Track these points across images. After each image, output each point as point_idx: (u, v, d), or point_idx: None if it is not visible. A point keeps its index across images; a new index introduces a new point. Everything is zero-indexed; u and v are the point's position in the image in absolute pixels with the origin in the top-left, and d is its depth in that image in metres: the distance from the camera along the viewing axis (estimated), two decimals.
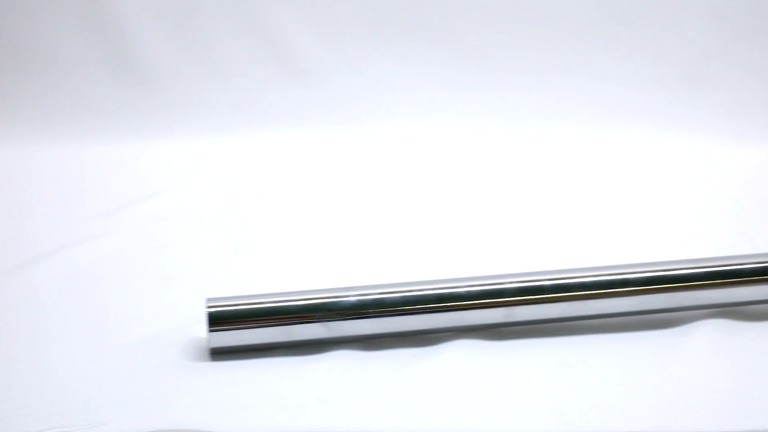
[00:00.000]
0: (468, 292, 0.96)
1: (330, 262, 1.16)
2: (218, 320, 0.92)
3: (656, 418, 0.85)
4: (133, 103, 1.50)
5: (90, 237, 1.20)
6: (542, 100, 1.54)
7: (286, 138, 1.49)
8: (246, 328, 0.93)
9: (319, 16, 1.50)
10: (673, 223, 1.29)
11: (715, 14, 1.53)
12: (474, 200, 1.36)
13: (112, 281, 1.11)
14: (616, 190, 1.40)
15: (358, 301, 0.94)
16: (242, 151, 1.46)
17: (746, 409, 0.86)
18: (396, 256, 1.18)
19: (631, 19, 1.53)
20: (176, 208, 1.30)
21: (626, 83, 1.53)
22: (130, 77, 1.49)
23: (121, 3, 1.47)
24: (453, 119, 1.53)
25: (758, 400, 0.87)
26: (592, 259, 1.09)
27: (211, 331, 0.92)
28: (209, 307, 0.93)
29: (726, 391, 0.89)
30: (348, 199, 1.35)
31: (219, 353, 0.93)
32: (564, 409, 0.85)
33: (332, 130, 1.50)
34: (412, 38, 1.52)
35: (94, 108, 1.50)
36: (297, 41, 1.50)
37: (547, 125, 1.53)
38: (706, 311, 1.01)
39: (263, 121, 1.50)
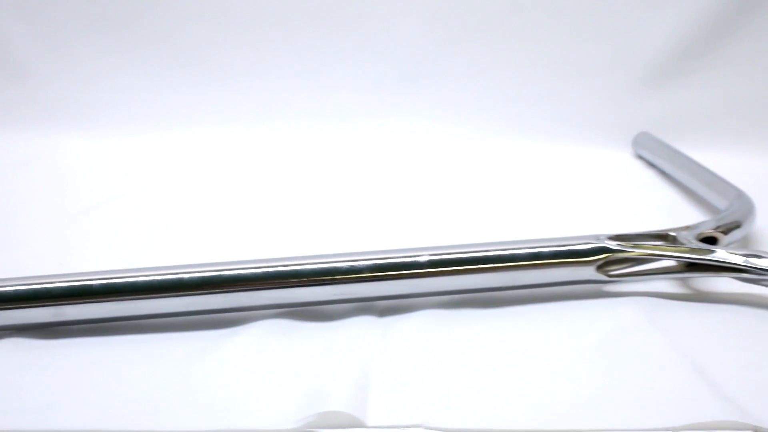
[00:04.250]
0: (15, 291, 0.98)
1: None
2: None
3: (139, 418, 0.85)
4: None
5: None
6: (261, 100, 1.56)
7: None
8: None
9: (38, 17, 1.52)
10: (374, 217, 1.31)
11: (433, 15, 1.53)
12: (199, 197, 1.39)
13: None
14: (337, 185, 1.43)
15: None
16: None
17: (268, 409, 0.84)
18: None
19: (348, 20, 1.54)
20: None
21: (342, 83, 1.55)
22: None
23: None
24: (171, 120, 1.55)
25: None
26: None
27: None
28: None
29: (253, 391, 0.87)
30: (56, 202, 1.38)
31: None
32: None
33: (48, 132, 1.53)
34: (131, 39, 1.54)
35: None
36: (13, 41, 1.53)
37: (262, 125, 1.55)
38: (275, 311, 1.01)
39: None
